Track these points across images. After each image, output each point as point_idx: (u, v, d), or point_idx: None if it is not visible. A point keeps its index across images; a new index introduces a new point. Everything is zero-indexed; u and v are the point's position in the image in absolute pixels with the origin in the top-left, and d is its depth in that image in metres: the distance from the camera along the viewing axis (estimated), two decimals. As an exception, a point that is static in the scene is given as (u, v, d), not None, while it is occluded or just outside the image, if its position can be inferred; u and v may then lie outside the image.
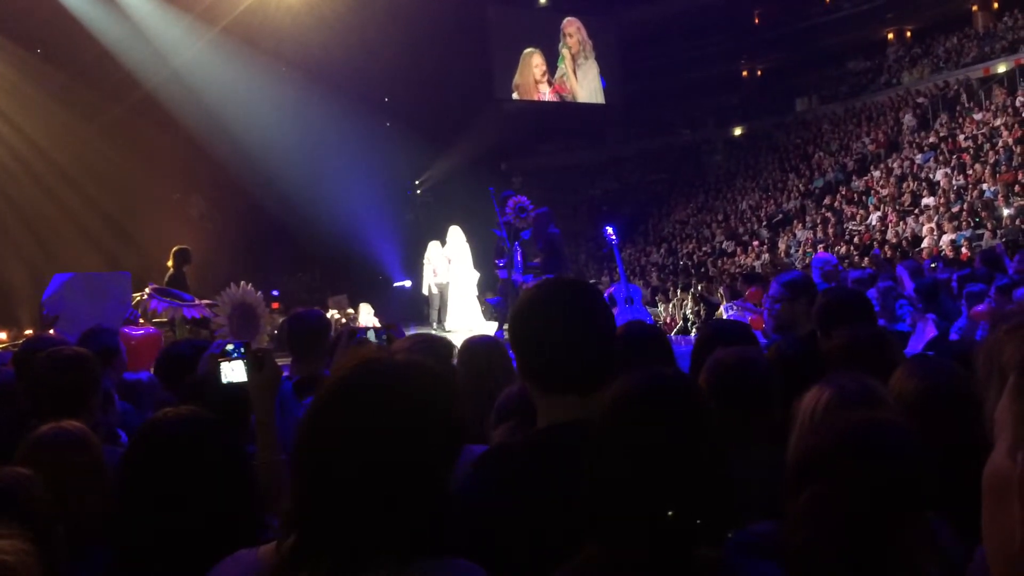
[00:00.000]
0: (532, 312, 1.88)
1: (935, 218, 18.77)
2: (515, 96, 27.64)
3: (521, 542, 1.66)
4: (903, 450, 1.50)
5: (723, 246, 24.74)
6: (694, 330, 13.52)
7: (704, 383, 2.27)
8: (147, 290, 9.45)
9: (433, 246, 14.12)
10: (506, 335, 2.04)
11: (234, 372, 2.59)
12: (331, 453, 1.34)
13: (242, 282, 7.33)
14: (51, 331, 8.08)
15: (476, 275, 13.72)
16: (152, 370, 5.15)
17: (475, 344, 3.08)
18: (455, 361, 2.97)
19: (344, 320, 13.36)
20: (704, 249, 25.37)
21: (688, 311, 15.43)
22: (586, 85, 28.76)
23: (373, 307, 13.99)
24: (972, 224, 17.82)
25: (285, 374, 4.40)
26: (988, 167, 19.87)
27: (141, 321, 9.06)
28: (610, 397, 1.57)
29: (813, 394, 1.99)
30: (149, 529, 1.70)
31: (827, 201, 23.78)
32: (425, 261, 14.20)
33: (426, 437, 1.36)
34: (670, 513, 1.43)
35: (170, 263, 10.51)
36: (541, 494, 1.69)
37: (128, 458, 1.81)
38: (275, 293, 15.93)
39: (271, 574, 1.32)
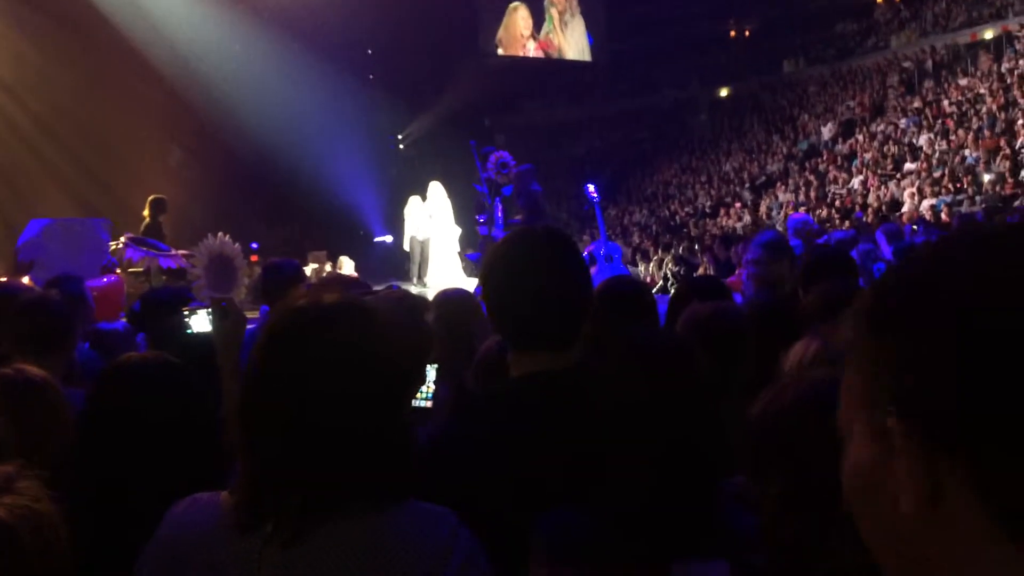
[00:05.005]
0: (501, 268, 1.83)
1: (916, 183, 18.84)
2: (499, 51, 27.29)
3: (492, 489, 1.65)
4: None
5: (706, 208, 24.77)
6: (673, 290, 13.54)
7: (681, 335, 2.25)
8: (123, 239, 9.34)
9: (414, 201, 14.02)
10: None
11: (199, 322, 2.57)
12: (269, 404, 1.32)
13: (219, 233, 7.24)
14: (26, 278, 7.96)
15: (457, 231, 13.66)
16: (125, 317, 5.09)
17: (448, 298, 3.04)
18: (430, 316, 2.92)
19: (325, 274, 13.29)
20: (687, 210, 25.37)
21: (668, 271, 15.44)
22: (573, 42, 28.43)
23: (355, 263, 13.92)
24: (953, 190, 17.89)
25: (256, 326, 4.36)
26: (971, 133, 19.91)
27: (118, 272, 8.96)
28: (615, 354, 1.60)
29: (800, 347, 1.97)
30: (111, 469, 1.68)
31: (810, 164, 23.81)
32: (406, 215, 14.10)
33: (363, 376, 1.33)
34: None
35: (146, 212, 10.38)
36: (510, 441, 1.68)
37: (91, 399, 1.79)
38: (254, 246, 15.80)
39: (235, 526, 1.30)
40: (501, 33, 27.17)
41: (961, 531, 0.63)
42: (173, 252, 9.38)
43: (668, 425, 1.50)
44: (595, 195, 11.64)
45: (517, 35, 27.44)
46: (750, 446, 1.49)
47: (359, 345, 1.35)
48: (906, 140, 21.80)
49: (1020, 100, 20.16)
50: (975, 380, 0.61)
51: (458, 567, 1.30)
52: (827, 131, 25.10)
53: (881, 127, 23.45)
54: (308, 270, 13.15)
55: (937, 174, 18.92)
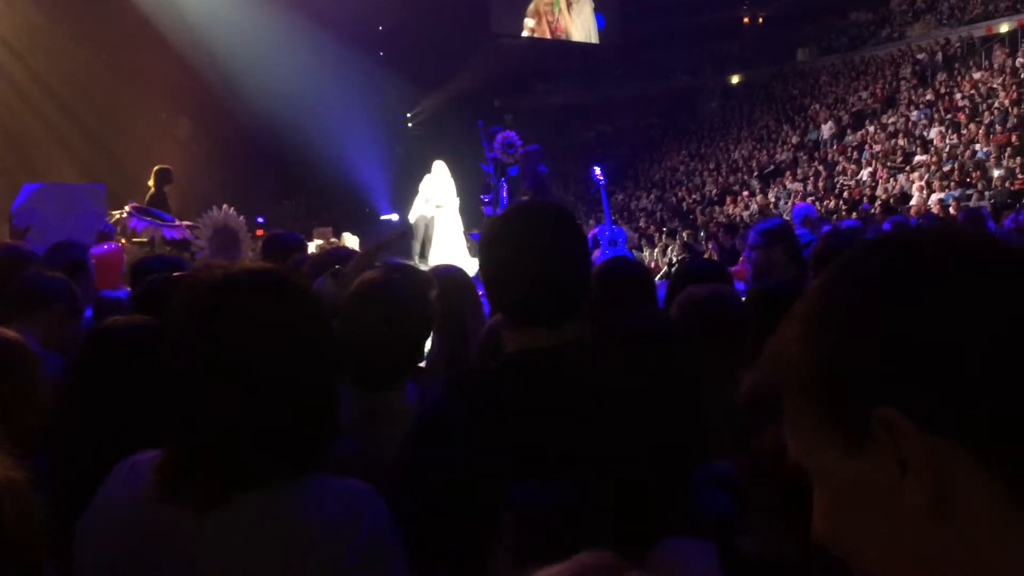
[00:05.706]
0: (499, 244, 1.79)
1: (925, 176, 18.74)
2: (529, 22, 26.86)
3: (482, 465, 1.64)
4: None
5: (713, 195, 24.68)
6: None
7: (676, 318, 2.24)
8: (127, 208, 9.33)
9: (428, 179, 13.97)
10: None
11: None
12: (184, 371, 1.32)
13: (224, 205, 7.23)
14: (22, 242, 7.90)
15: (456, 203, 13.60)
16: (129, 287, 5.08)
17: (441, 275, 3.01)
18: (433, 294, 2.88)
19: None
20: (694, 196, 25.29)
21: (672, 256, 15.43)
22: (580, 23, 28.23)
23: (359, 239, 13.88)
24: (962, 184, 17.80)
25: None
26: (983, 127, 19.78)
27: (123, 242, 8.94)
28: (602, 335, 1.58)
29: None
30: (95, 433, 1.68)
31: (819, 154, 23.70)
32: (420, 191, 14.04)
33: (272, 343, 1.32)
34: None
35: (151, 183, 10.36)
36: (501, 416, 1.67)
37: (75, 362, 1.79)
38: (260, 220, 15.79)
39: (158, 495, 1.31)
40: (531, 7, 26.89)
41: (973, 516, 0.62)
42: (177, 223, 9.36)
43: (644, 406, 1.49)
44: (601, 178, 11.58)
45: (539, 16, 27.27)
46: (743, 406, 1.47)
47: (266, 311, 1.34)
48: (917, 133, 21.67)
49: (1033, 95, 20.03)
50: (975, 360, 0.61)
51: (363, 547, 1.31)
52: (827, 129, 24.92)
53: (892, 119, 23.31)
54: (312, 246, 13.13)
55: (947, 168, 18.82)
